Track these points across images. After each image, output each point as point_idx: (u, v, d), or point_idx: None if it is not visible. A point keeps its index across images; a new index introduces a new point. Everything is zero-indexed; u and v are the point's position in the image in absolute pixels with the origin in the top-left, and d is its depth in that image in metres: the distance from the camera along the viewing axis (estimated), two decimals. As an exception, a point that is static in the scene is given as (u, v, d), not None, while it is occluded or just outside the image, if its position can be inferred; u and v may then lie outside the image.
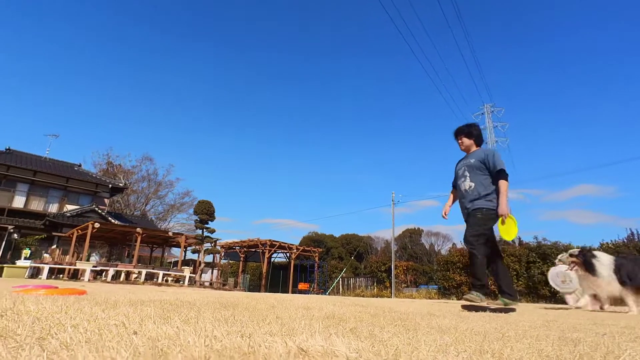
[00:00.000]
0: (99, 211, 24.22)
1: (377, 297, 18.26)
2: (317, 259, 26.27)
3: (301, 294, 20.22)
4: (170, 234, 21.36)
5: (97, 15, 59.29)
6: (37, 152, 27.03)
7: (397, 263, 22.41)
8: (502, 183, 3.81)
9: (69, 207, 24.44)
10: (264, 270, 23.32)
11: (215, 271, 23.76)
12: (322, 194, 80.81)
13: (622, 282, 4.22)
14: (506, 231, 3.83)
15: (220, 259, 25.33)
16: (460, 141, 4.26)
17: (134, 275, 16.69)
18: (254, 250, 25.32)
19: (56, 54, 57.89)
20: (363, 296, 18.66)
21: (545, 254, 14.16)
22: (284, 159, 77.05)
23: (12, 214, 22.23)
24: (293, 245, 25.51)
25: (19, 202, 23.20)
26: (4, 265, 16.35)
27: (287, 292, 22.54)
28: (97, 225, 17.46)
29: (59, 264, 16.11)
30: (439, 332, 1.30)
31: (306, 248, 26.92)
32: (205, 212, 21.31)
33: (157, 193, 39.30)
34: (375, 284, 22.77)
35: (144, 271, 16.87)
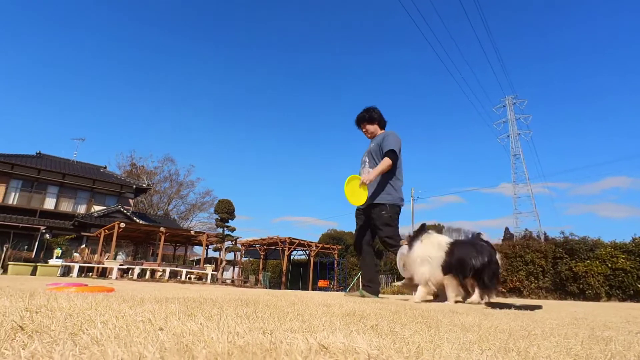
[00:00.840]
0: (124, 211, 25.02)
1: (397, 294, 18.11)
2: (336, 256, 26.28)
3: (321, 291, 20.30)
4: (192, 232, 21.85)
5: (117, 22, 61.01)
6: (65, 155, 28.15)
7: (417, 260, 22.10)
8: (384, 160, 3.67)
9: (96, 208, 25.36)
10: (284, 267, 23.51)
11: (236, 269, 24.15)
12: (340, 190, 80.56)
13: (445, 269, 3.35)
14: (354, 195, 3.68)
15: (241, 256, 25.71)
16: (364, 130, 4.01)
17: (159, 273, 17.17)
18: (273, 248, 25.56)
19: (79, 60, 59.95)
20: (383, 293, 18.55)
21: (573, 250, 13.67)
22: (302, 157, 77.33)
23: (43, 215, 23.25)
24: (312, 242, 25.61)
25: (50, 203, 24.24)
26: (38, 264, 17.14)
27: (307, 289, 22.67)
28: (122, 225, 18.05)
29: (88, 263, 16.77)
30: (462, 330, 1.28)
31: (325, 245, 26.96)
32: (225, 211, 21.65)
33: (179, 193, 40.25)
34: (395, 281, 22.58)
35: (168, 269, 17.34)
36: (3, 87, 52.71)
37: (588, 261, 13.28)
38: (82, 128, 61.75)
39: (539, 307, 3.35)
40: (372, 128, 3.96)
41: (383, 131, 3.98)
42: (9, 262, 16.71)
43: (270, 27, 76.95)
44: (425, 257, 3.40)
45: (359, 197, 3.70)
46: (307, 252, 26.03)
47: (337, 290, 22.32)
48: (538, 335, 1.23)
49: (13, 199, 23.16)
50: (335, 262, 26.17)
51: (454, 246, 3.42)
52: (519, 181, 44.15)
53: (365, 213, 3.89)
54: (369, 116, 3.95)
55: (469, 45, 77.89)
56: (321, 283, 24.82)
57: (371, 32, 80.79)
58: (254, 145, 76.18)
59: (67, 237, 21.07)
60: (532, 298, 13.51)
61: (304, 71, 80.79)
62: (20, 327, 0.79)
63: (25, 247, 21.03)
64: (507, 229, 49.16)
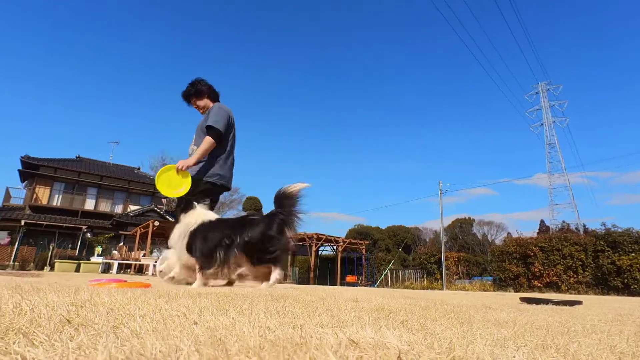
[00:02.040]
0: (158, 210, 26.04)
1: (427, 289, 17.84)
2: (364, 251, 26.18)
3: (349, 286, 20.31)
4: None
5: (144, 28, 63.22)
6: (102, 158, 29.61)
7: (447, 254, 21.67)
8: (204, 140, 3.35)
9: (132, 208, 26.56)
10: (312, 263, 23.69)
11: (265, 265, 24.57)
12: (367, 185, 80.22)
13: (189, 250, 3.00)
14: (172, 185, 3.26)
15: (270, 252, 26.11)
16: (195, 106, 3.65)
17: (192, 270, 17.74)
18: (301, 243, 25.80)
19: (110, 67, 62.66)
20: (412, 288, 18.33)
21: (616, 242, 12.91)
22: (327, 152, 77.38)
23: (84, 216, 24.63)
24: (339, 238, 25.62)
25: (89, 204, 25.64)
26: (81, 261, 18.21)
27: (335, 284, 22.75)
28: (156, 223, 18.80)
29: (126, 260, 17.62)
30: (496, 326, 1.25)
31: (352, 241, 26.90)
32: (253, 208, 22.07)
33: (208, 191, 41.29)
34: (425, 276, 22.22)
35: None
36: (44, 95, 56.07)
37: (633, 254, 12.49)
38: (116, 132, 64.64)
39: (579, 302, 3.20)
40: (203, 102, 3.62)
41: (214, 104, 3.62)
42: (56, 260, 17.87)
43: (291, 24, 77.20)
44: (180, 234, 3.05)
45: (178, 185, 3.29)
46: (335, 247, 26.08)
47: (365, 286, 22.25)
48: (578, 332, 1.18)
49: (57, 201, 24.65)
50: (363, 257, 26.08)
51: (203, 224, 3.02)
52: (555, 171, 42.14)
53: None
54: (196, 90, 3.58)
55: (496, 30, 74.82)
56: (349, 278, 24.82)
57: (391, 21, 79.34)
58: (278, 142, 77.03)
59: (107, 235, 22.24)
60: (571, 293, 12.90)
61: (327, 63, 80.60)
62: (68, 320, 0.84)
63: (69, 245, 22.38)
64: (542, 222, 47.13)
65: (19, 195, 24.75)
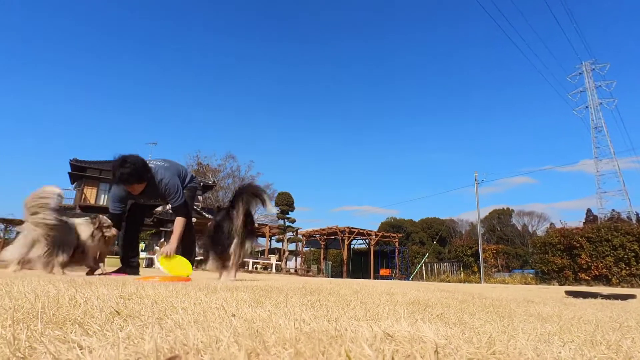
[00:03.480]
0: (195, 207, 27.07)
1: (464, 282, 17.36)
2: (397, 244, 25.87)
3: (383, 279, 20.18)
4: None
5: (180, 32, 65.35)
6: (142, 159, 31.12)
7: (485, 246, 20.95)
8: (177, 222, 3.57)
9: (171, 205, 27.79)
10: (345, 256, 23.74)
11: (298, 258, 24.95)
12: (400, 178, 78.98)
13: None
14: (176, 268, 3.45)
15: (303, 247, 26.47)
16: (130, 189, 3.42)
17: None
18: (333, 237, 25.91)
19: (147, 71, 65.46)
20: (449, 282, 17.90)
21: (674, 232, 11.91)
22: (359, 145, 76.82)
23: (128, 214, 26.09)
24: (372, 231, 25.47)
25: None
26: (126, 256, 19.37)
27: (368, 277, 22.68)
28: (194, 220, 19.58)
29: (167, 255, 18.50)
30: (539, 320, 1.19)
31: (385, 234, 26.65)
32: (285, 203, 22.38)
33: (241, 188, 42.41)
34: (461, 269, 21.63)
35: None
36: (92, 101, 59.64)
37: (695, 244, 11.50)
38: (153, 133, 67.69)
39: (632, 296, 3.00)
40: (141, 187, 3.45)
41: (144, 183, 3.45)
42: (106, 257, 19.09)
43: (321, 20, 76.86)
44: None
45: (180, 265, 3.54)
46: (367, 241, 25.96)
47: (399, 279, 22.02)
48: (632, 328, 1.10)
49: (103, 200, 26.23)
50: (397, 250, 25.79)
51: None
52: (603, 156, 39.40)
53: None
54: (138, 176, 3.34)
55: (531, 6, 70.36)
56: (383, 272, 24.65)
57: (420, 4, 76.90)
58: (309, 137, 77.40)
59: (149, 232, 23.42)
60: (622, 286, 12.07)
61: (353, 57, 79.69)
62: (117, 312, 0.90)
63: (116, 242, 23.82)
64: (589, 211, 44.32)
65: (69, 196, 26.63)
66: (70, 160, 24.91)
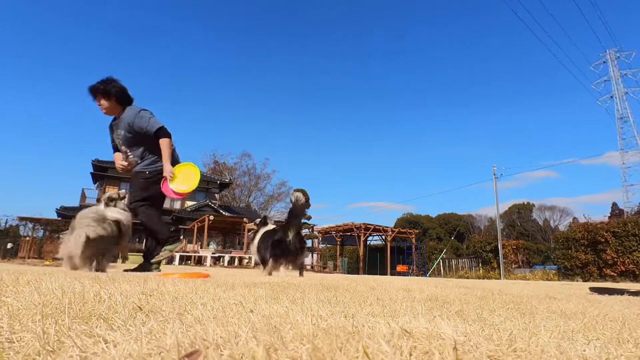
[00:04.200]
0: (212, 205, 27.52)
1: (483, 278, 17.06)
2: (413, 240, 25.63)
3: (400, 276, 20.04)
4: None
5: (198, 31, 66.22)
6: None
7: (504, 242, 20.52)
8: (163, 142, 3.52)
9: (189, 203, 28.30)
10: (361, 253, 23.69)
11: (315, 255, 25.05)
12: (416, 173, 78.11)
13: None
14: (185, 180, 3.63)
15: (319, 243, 26.56)
16: (99, 104, 3.53)
17: (246, 260, 18.63)
18: (349, 234, 25.87)
19: (169, 70, 66.67)
20: (467, 278, 17.64)
21: None
22: (374, 141, 76.30)
23: (148, 212, 26.80)
24: (388, 227, 25.30)
25: (152, 201, 27.84)
26: (147, 254, 19.93)
27: (385, 274, 22.59)
28: (211, 217, 19.89)
29: (186, 252, 18.90)
30: (562, 318, 1.16)
31: (402, 230, 26.44)
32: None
33: (257, 185, 42.89)
34: (480, 265, 21.27)
35: (253, 256, 18.74)
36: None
37: None
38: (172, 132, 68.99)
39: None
40: (107, 104, 3.54)
41: (128, 108, 3.58)
42: (128, 253, 19.72)
43: (334, 15, 76.41)
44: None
45: (187, 175, 3.71)
46: (383, 237, 25.81)
47: (416, 275, 21.82)
48: (662, 326, 1.06)
49: (124, 199, 27.06)
50: (413, 246, 25.56)
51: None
52: (629, 148, 37.90)
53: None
54: (104, 89, 3.49)
55: (555, -3, 67.92)
56: (400, 268, 24.48)
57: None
58: (322, 134, 77.32)
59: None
60: (651, 283, 11.62)
61: (374, 49, 78.96)
62: (139, 307, 0.92)
63: (137, 239, 24.45)
64: (614, 205, 42.78)
65: (92, 195, 27.46)
66: (92, 161, 25.70)
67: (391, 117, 78.55)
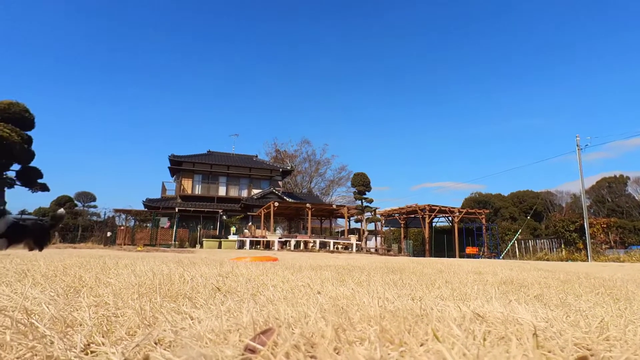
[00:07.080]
0: (276, 192, 28.67)
1: (566, 260, 15.57)
2: (484, 221, 24.18)
3: (469, 258, 19.11)
4: (334, 206, 23.51)
5: (249, 25, 68.25)
6: (226, 150, 33.78)
7: (592, 220, 18.42)
8: None
9: (254, 192, 29.84)
10: (426, 235, 23.02)
11: (378, 238, 24.93)
12: (483, 150, 73.02)
13: None
14: None
15: (382, 226, 26.33)
16: None
17: (310, 244, 19.21)
18: (413, 216, 25.24)
19: (233, 66, 70.01)
20: (547, 260, 16.23)
21: None
22: (435, 117, 72.59)
23: (219, 201, 28.75)
24: (455, 208, 24.17)
25: (222, 191, 29.77)
26: (222, 239, 21.48)
27: (453, 256, 21.71)
28: (276, 204, 20.78)
29: (255, 237, 20.05)
30: (668, 304, 1.02)
31: (469, 210, 25.07)
32: (361, 184, 22.38)
33: (318, 171, 43.55)
34: (562, 246, 19.41)
35: (318, 240, 19.24)
36: (183, 102, 66.39)
37: None
38: (235, 125, 72.71)
39: None
40: None
41: None
42: (203, 239, 21.47)
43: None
44: None
45: None
46: (450, 218, 24.74)
47: (488, 258, 20.64)
48: None
49: (197, 190, 29.29)
50: (484, 227, 24.14)
51: None
52: None
53: None
54: None
55: None
56: (469, 250, 23.35)
57: (503, -43, 67.75)
58: (383, 114, 75.44)
59: (238, 217, 25.59)
60: None
61: (423, 24, 74.42)
62: (218, 288, 1.01)
63: (211, 226, 26.50)
64: None
65: (171, 187, 30.30)
66: (169, 156, 28.16)
67: (456, 90, 73.69)
